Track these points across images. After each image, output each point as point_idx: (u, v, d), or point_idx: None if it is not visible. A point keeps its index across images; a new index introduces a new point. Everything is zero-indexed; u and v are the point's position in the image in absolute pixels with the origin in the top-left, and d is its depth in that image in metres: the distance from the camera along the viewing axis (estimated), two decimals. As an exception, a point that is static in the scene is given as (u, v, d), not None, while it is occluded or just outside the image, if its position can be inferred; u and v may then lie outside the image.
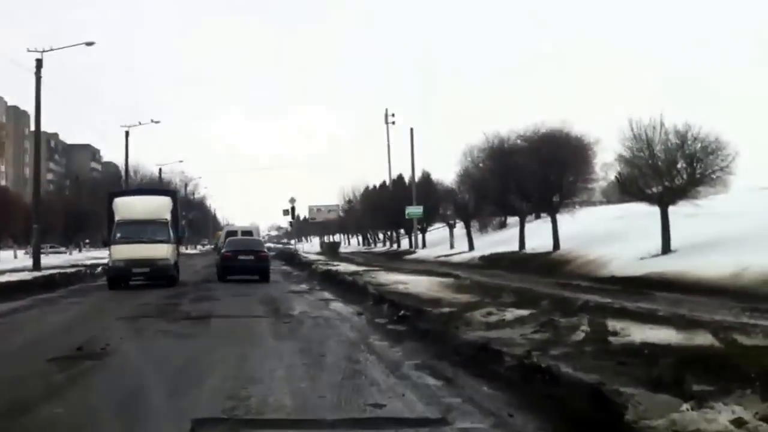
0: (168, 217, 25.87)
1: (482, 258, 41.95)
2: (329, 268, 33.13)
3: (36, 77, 33.23)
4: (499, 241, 49.34)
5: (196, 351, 10.12)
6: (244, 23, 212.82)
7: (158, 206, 26.16)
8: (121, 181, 67.80)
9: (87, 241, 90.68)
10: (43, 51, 33.87)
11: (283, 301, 18.60)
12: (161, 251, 24.47)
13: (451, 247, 54.37)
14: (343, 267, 36.22)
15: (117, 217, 25.72)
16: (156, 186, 69.54)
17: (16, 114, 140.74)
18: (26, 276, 26.28)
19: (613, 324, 11.22)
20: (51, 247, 76.52)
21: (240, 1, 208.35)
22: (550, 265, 30.94)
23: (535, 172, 36.60)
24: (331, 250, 61.94)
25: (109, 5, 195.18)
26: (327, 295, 20.98)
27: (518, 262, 36.47)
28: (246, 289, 23.16)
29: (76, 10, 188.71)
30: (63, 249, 76.05)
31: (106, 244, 26.56)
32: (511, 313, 13.24)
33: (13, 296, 20.62)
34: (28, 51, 33.91)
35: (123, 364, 9.28)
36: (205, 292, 22.14)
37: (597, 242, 30.98)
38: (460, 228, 56.11)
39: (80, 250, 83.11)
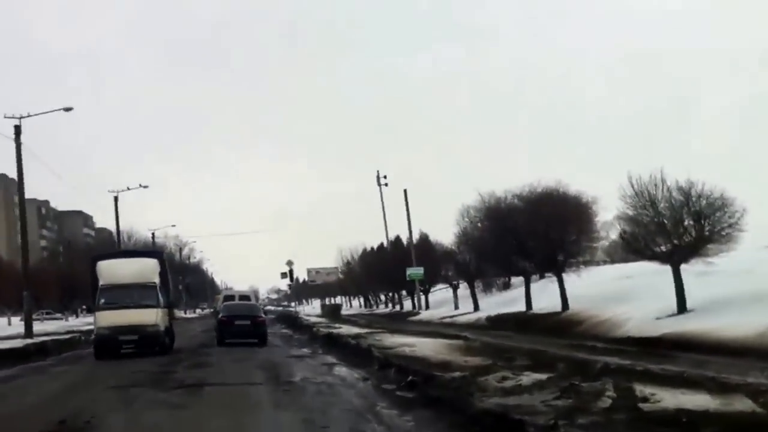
0: (156, 279, 23.91)
1: (489, 319, 41.00)
2: (331, 330, 32.22)
3: (16, 143, 32.98)
4: (505, 301, 48.44)
5: (188, 424, 9.26)
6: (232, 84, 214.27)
7: (144, 268, 24.16)
8: (115, 247, 67.01)
9: (84, 307, 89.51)
10: (21, 117, 33.72)
11: (283, 367, 17.70)
12: (150, 317, 22.46)
13: (456, 307, 53.39)
14: (346, 329, 35.32)
15: (101, 282, 23.66)
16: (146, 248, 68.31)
17: (5, 182, 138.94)
18: (17, 343, 25.44)
19: (640, 388, 10.39)
20: (47, 313, 75.61)
21: (231, 60, 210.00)
22: (560, 326, 30.02)
23: (536, 230, 35.88)
24: (332, 313, 60.91)
25: (88, 68, 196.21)
26: (330, 359, 20.07)
27: (526, 322, 35.52)
28: (245, 354, 22.25)
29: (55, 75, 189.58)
30: (59, 315, 75.06)
31: (91, 311, 25.18)
32: (528, 377, 12.41)
33: (1, 365, 19.85)
34: (6, 117, 33.76)
35: (107, 441, 8.43)
36: (202, 357, 21.25)
37: (607, 302, 30.09)
38: (463, 288, 55.24)
39: (77, 316, 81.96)
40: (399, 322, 49.51)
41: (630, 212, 26.60)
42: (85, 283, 79.83)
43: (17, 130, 33.26)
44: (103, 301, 23.07)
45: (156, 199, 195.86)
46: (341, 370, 16.59)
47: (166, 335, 23.40)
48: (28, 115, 34.14)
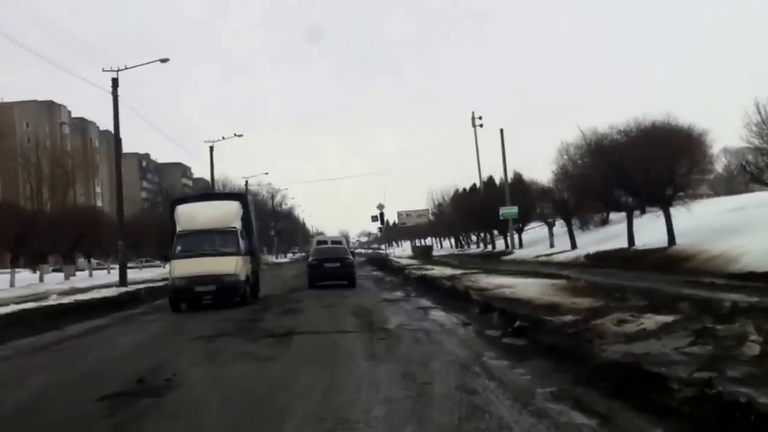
0: (237, 225, 22.09)
1: (588, 256, 39.31)
2: (424, 272, 31.24)
3: (113, 96, 32.61)
4: (603, 238, 46.59)
5: (275, 380, 8.31)
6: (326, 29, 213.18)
7: (225, 213, 22.33)
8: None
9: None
10: (118, 70, 33.39)
11: (376, 312, 16.73)
12: (228, 265, 20.56)
13: (551, 246, 51.78)
14: (439, 271, 34.30)
15: (178, 228, 22.11)
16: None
17: (109, 138, 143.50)
18: (112, 292, 25.20)
19: (791, 330, 8.97)
20: (146, 261, 77.24)
21: (320, 11, 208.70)
22: (668, 262, 28.20)
23: (644, 164, 33.91)
24: (423, 254, 59.90)
25: (186, 20, 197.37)
26: (425, 302, 19.03)
27: (629, 259, 33.74)
28: (336, 299, 21.43)
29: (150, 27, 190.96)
30: (157, 263, 76.28)
31: (167, 258, 22.97)
32: (650, 320, 11.03)
33: (93, 314, 19.61)
34: (103, 71, 33.49)
35: (186, 402, 7.53)
36: (291, 304, 20.47)
37: (718, 236, 28.06)
38: (559, 226, 53.56)
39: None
40: (492, 262, 48.27)
41: (756, 141, 24.54)
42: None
43: (114, 83, 32.99)
44: (179, 248, 21.48)
45: (250, 147, 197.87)
46: (438, 315, 15.51)
47: (248, 285, 21.37)
48: (125, 68, 33.88)
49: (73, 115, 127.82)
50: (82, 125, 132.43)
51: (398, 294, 22.77)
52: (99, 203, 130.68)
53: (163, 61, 35.48)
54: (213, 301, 20.56)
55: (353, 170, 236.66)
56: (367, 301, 20.18)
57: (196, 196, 32.39)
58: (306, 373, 8.63)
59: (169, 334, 13.88)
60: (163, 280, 38.33)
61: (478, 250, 75.62)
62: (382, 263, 49.65)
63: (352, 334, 12.65)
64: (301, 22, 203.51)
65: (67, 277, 50.57)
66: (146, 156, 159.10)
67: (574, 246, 46.99)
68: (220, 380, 8.53)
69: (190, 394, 7.91)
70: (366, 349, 10.48)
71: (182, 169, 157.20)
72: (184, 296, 20.36)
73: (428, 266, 41.33)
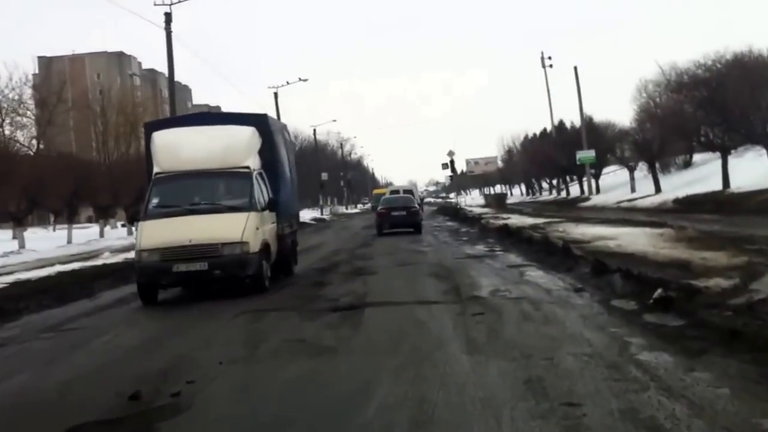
0: (251, 163, 13.89)
1: (677, 201, 36.00)
2: (503, 222, 28.43)
3: (166, 32, 29.83)
4: (690, 181, 43.13)
5: (337, 395, 5.70)
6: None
7: (230, 145, 13.97)
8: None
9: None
10: (171, 3, 30.35)
11: (460, 272, 14.06)
12: (231, 227, 12.72)
13: (633, 190, 48.31)
14: (518, 220, 31.50)
15: (155, 169, 14.03)
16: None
17: (179, 88, 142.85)
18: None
19: None
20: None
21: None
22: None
23: (744, 98, 30.45)
24: (497, 202, 56.84)
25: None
26: (515, 258, 16.28)
27: (727, 204, 30.45)
28: (412, 255, 18.85)
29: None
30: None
31: (134, 220, 16.09)
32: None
33: (115, 284, 16.58)
34: (155, 5, 30.57)
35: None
36: (361, 261, 17.82)
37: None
38: (637, 170, 50.08)
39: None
40: (571, 210, 45.22)
41: None
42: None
43: (167, 17, 30.12)
44: (154, 202, 13.60)
45: (318, 95, 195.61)
46: (538, 276, 12.79)
47: (266, 259, 13.31)
48: (179, 1, 30.80)
49: (144, 66, 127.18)
50: (153, 76, 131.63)
51: (480, 248, 20.01)
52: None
53: None
54: (207, 284, 13.03)
55: (422, 116, 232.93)
56: (447, 257, 17.53)
57: (184, 117, 21.96)
58: (382, 380, 6.00)
59: (209, 310, 11.39)
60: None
61: (551, 197, 72.28)
62: (455, 213, 46.86)
63: (438, 305, 9.99)
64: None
65: (130, 232, 49.18)
66: (217, 108, 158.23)
67: (658, 190, 43.63)
68: (252, 397, 5.92)
69: (205, 422, 5.35)
70: (460, 333, 7.79)
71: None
72: (158, 280, 12.74)
73: (504, 215, 38.50)
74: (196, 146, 13.83)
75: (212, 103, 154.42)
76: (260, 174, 14.17)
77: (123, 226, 51.82)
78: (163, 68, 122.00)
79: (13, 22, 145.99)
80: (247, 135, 14.35)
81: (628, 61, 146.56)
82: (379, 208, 32.35)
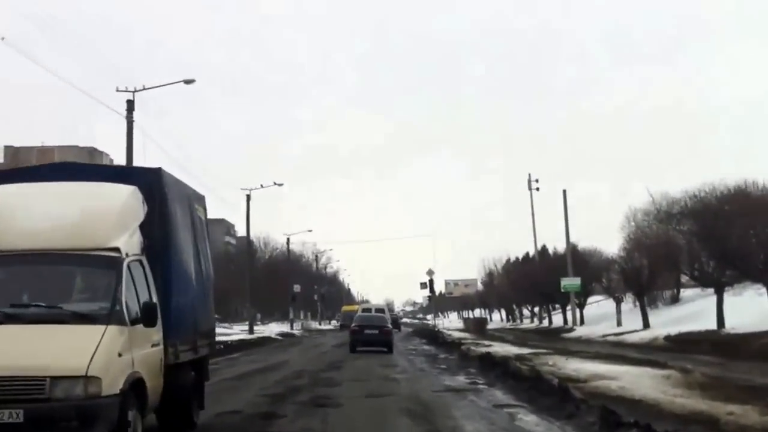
0: (124, 244, 8.67)
1: (669, 339, 34.02)
2: (485, 350, 26.31)
3: (127, 121, 28.05)
4: (679, 317, 41.31)
5: None
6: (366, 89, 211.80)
7: (92, 211, 8.79)
8: (251, 254, 63.22)
9: (216, 316, 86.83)
10: (135, 90, 28.58)
11: (440, 412, 11.95)
12: (71, 352, 7.50)
13: (619, 324, 46.34)
14: (501, 348, 29.42)
15: None
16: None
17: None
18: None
19: None
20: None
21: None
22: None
23: (744, 232, 29.11)
24: (477, 327, 54.65)
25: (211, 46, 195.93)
26: (502, 396, 14.17)
27: (724, 345, 28.49)
28: (384, 384, 16.67)
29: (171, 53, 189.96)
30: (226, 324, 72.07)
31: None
32: None
33: None
34: (117, 91, 28.73)
35: None
36: (325, 389, 15.50)
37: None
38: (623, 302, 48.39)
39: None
40: (555, 340, 43.14)
41: None
42: (218, 292, 77.61)
43: (129, 105, 28.32)
44: None
45: (294, 203, 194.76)
46: (532, 423, 10.76)
47: (136, 406, 7.99)
48: (143, 88, 28.98)
49: (116, 162, 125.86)
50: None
51: (461, 380, 17.84)
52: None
53: (188, 82, 30.43)
54: None
55: (400, 233, 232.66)
56: (424, 389, 15.37)
57: (40, 168, 12.73)
58: None
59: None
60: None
61: (533, 325, 70.17)
62: (433, 336, 44.59)
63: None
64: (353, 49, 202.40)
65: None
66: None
67: (646, 325, 41.64)
68: None
69: None
70: None
71: (225, 227, 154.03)
72: None
73: (485, 341, 36.38)
74: (40, 211, 8.55)
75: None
76: (139, 262, 8.77)
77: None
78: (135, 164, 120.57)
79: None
80: (123, 197, 8.94)
81: (615, 189, 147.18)
82: (352, 325, 32.74)
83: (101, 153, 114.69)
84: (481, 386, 16.20)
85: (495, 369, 19.47)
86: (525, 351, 27.20)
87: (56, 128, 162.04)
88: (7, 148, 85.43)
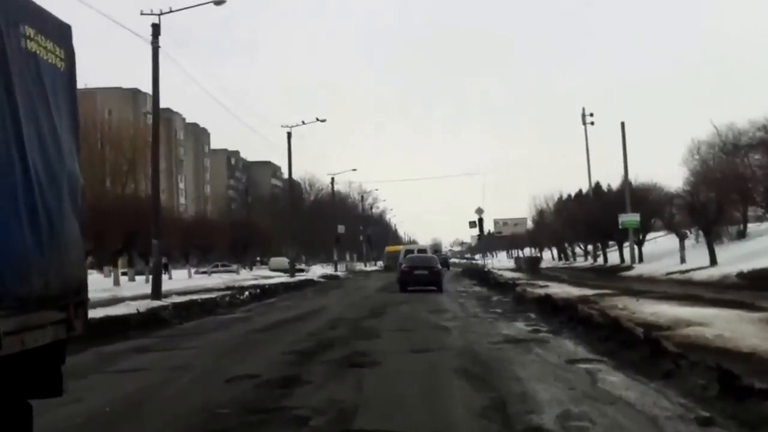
0: None
1: (741, 276, 31.18)
2: (542, 291, 23.90)
3: (153, 47, 25.31)
4: (747, 254, 38.15)
5: None
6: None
7: None
8: (298, 197, 61.28)
9: (258, 258, 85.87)
10: (161, 13, 25.69)
11: (502, 371, 9.59)
12: None
13: (682, 261, 43.42)
14: (559, 289, 27.05)
15: None
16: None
17: (195, 131, 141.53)
18: (125, 309, 18.72)
19: None
20: (223, 266, 72.34)
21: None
22: None
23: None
24: (530, 266, 52.00)
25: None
26: (573, 348, 11.73)
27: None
28: (431, 333, 14.38)
29: None
30: (234, 267, 70.96)
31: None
32: None
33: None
34: (142, 14, 26.06)
35: None
36: (364, 342, 13.13)
37: None
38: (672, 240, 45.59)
39: (250, 269, 77.91)
40: (614, 279, 40.58)
41: None
42: (257, 234, 75.68)
43: (155, 29, 25.69)
44: None
45: (339, 141, 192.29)
46: (620, 385, 8.33)
47: None
48: (170, 11, 26.20)
49: (161, 105, 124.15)
50: (167, 115, 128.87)
51: (521, 326, 15.45)
52: (182, 200, 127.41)
53: (217, 3, 27.74)
54: None
55: (449, 171, 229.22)
56: (479, 340, 12.98)
57: None
58: None
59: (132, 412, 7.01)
60: (227, 289, 32.12)
61: (587, 264, 67.39)
62: (483, 276, 42.21)
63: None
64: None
65: (133, 279, 45.03)
66: (236, 153, 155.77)
67: (713, 262, 38.71)
68: None
69: None
70: None
71: (272, 169, 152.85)
72: None
73: (539, 282, 33.95)
74: None
75: (231, 147, 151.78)
76: None
77: (124, 273, 47.81)
78: (178, 108, 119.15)
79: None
80: None
81: (675, 122, 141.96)
82: (402, 266, 33.06)
83: (145, 94, 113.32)
84: (546, 334, 13.82)
85: (558, 314, 17.02)
86: (587, 292, 24.80)
87: (99, 70, 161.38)
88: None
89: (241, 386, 8.86)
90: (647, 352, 10.07)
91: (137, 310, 18.16)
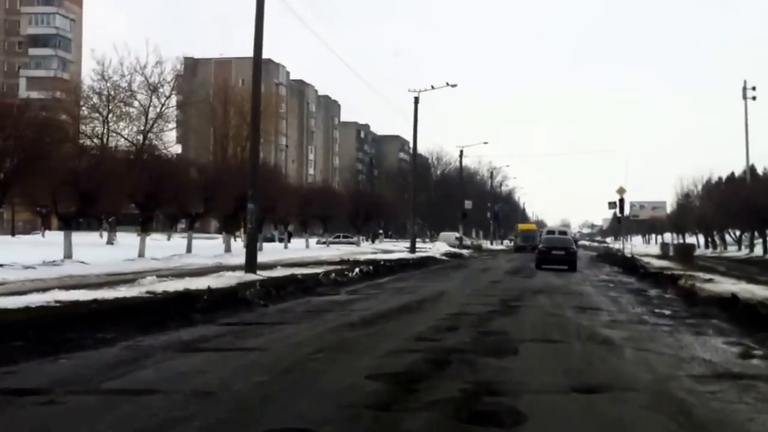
0: None
1: None
2: (719, 289, 18.99)
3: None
4: None
5: None
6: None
7: None
8: (412, 162, 57.56)
9: (380, 231, 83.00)
10: None
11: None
12: None
13: None
14: (735, 285, 21.80)
15: None
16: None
17: (327, 104, 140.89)
18: (214, 283, 15.50)
19: None
20: (344, 237, 70.00)
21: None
22: None
23: None
24: (682, 255, 46.21)
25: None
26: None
27: None
28: (593, 355, 10.01)
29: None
30: (354, 239, 68.18)
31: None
32: None
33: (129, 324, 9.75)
34: None
35: None
36: (493, 359, 8.90)
37: None
38: None
39: (372, 241, 74.86)
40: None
41: None
42: (387, 207, 72.88)
43: None
44: None
45: (471, 112, 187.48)
46: None
47: None
48: None
49: (292, 76, 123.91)
50: (300, 87, 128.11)
51: (719, 344, 10.73)
52: (311, 171, 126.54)
53: None
54: None
55: (583, 148, 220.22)
56: (672, 373, 8.41)
57: None
58: None
59: None
60: (339, 263, 28.64)
61: (742, 254, 60.49)
62: (627, 264, 37.03)
63: None
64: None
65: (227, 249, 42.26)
66: (365, 127, 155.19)
67: None
68: None
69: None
70: None
71: (400, 143, 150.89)
72: None
73: (701, 274, 28.58)
74: None
75: (361, 120, 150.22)
76: None
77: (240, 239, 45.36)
78: (311, 80, 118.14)
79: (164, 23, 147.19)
80: None
81: None
82: (540, 246, 35.68)
83: (277, 65, 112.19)
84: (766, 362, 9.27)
85: (763, 325, 12.38)
86: (775, 292, 19.68)
87: (234, 40, 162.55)
88: (187, 59, 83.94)
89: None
90: None
91: (208, 286, 14.59)
